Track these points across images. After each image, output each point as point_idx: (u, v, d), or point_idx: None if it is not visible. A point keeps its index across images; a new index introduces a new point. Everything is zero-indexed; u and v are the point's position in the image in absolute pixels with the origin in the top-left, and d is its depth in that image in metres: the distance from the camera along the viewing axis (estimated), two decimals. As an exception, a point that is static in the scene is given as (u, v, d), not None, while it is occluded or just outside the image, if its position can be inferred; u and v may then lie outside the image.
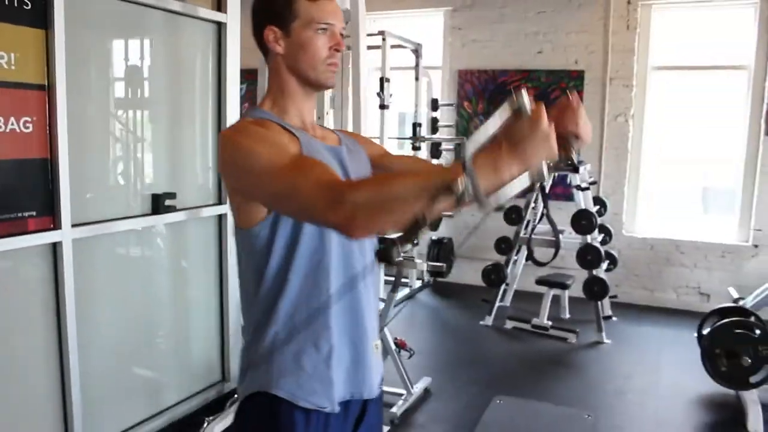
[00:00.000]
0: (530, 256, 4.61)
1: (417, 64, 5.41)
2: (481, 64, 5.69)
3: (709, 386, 3.37)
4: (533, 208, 4.68)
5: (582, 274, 4.54)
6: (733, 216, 5.17)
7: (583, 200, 4.53)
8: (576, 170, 4.41)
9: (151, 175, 2.81)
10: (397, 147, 5.88)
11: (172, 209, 2.80)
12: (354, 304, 1.27)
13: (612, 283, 4.58)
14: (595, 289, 4.44)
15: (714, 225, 5.30)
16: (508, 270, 4.75)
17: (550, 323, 4.48)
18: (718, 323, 3.33)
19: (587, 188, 4.61)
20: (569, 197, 4.75)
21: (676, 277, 5.22)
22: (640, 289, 5.32)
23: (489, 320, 4.71)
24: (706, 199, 5.74)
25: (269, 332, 1.23)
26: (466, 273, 5.60)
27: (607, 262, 4.73)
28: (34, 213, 2.22)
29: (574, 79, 5.37)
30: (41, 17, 2.15)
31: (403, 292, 5.29)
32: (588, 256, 4.41)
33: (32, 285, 2.30)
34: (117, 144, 2.72)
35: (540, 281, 4.64)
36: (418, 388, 3.38)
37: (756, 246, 4.96)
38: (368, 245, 1.29)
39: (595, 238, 4.53)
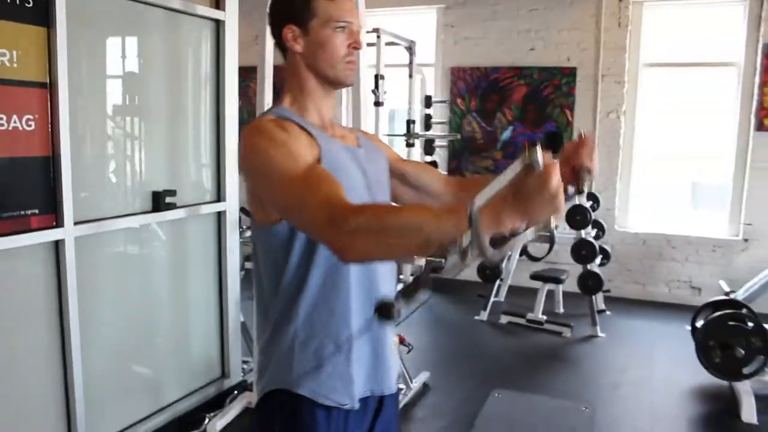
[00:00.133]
0: (525, 252, 4.66)
1: (411, 62, 5.43)
2: (474, 61, 5.72)
3: (703, 378, 3.43)
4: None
5: (575, 270, 4.59)
6: (723, 211, 5.25)
7: (576, 196, 4.58)
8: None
9: (151, 172, 2.82)
10: (388, 143, 5.88)
11: (172, 206, 2.80)
12: (372, 296, 1.26)
13: (605, 277, 4.63)
14: (590, 283, 4.49)
15: (705, 220, 5.38)
16: (503, 265, 4.79)
17: (544, 318, 4.53)
18: (713, 316, 3.38)
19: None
20: (563, 193, 4.78)
21: (667, 271, 5.29)
22: (632, 283, 5.39)
23: (484, 315, 4.75)
24: (697, 195, 5.82)
25: (289, 330, 1.23)
26: (461, 269, 5.62)
27: (600, 257, 4.78)
28: (36, 211, 2.22)
29: (567, 76, 5.42)
30: (43, 15, 2.15)
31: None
32: (582, 251, 4.46)
33: (35, 283, 2.30)
34: (117, 141, 2.72)
35: (534, 276, 4.68)
36: (417, 383, 3.40)
37: (746, 240, 5.04)
38: None
39: (589, 233, 4.58)
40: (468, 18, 5.68)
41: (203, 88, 3.04)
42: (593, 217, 4.76)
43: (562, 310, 4.85)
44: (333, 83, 1.29)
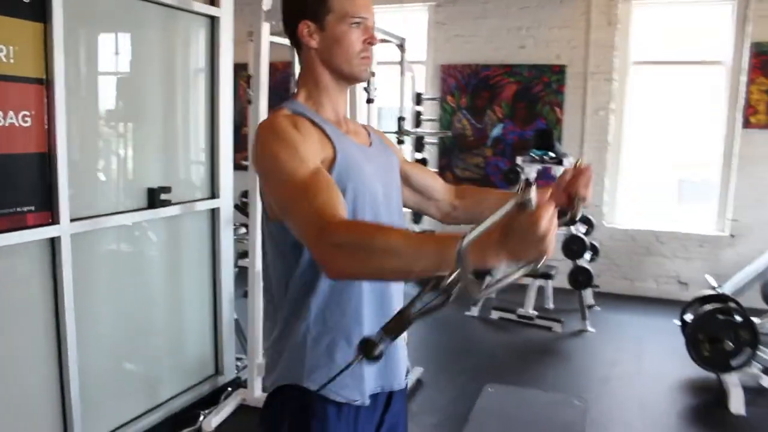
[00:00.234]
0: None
1: (402, 59, 5.43)
2: (465, 58, 5.75)
3: (691, 371, 3.49)
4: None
5: (564, 265, 4.64)
6: (710, 207, 5.32)
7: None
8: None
9: (146, 168, 2.81)
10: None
11: (167, 203, 2.80)
12: (385, 298, 1.28)
13: (594, 273, 4.68)
14: (580, 278, 4.53)
15: (692, 216, 5.45)
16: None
17: (535, 313, 4.57)
18: (702, 310, 3.44)
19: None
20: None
21: (655, 266, 5.36)
22: (621, 278, 5.45)
23: (475, 311, 4.78)
24: (684, 191, 5.90)
25: (300, 327, 1.23)
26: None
27: (590, 252, 4.83)
28: (32, 208, 2.20)
29: (556, 73, 5.46)
30: (40, 10, 2.14)
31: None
32: (573, 247, 4.51)
33: (30, 281, 2.28)
34: (112, 138, 2.71)
35: (525, 272, 4.71)
36: (410, 379, 3.42)
37: (732, 236, 5.11)
38: None
39: (579, 229, 4.63)
40: (459, 15, 5.70)
41: (198, 85, 3.04)
42: (582, 213, 4.82)
43: (552, 306, 4.90)
44: (348, 79, 1.30)
